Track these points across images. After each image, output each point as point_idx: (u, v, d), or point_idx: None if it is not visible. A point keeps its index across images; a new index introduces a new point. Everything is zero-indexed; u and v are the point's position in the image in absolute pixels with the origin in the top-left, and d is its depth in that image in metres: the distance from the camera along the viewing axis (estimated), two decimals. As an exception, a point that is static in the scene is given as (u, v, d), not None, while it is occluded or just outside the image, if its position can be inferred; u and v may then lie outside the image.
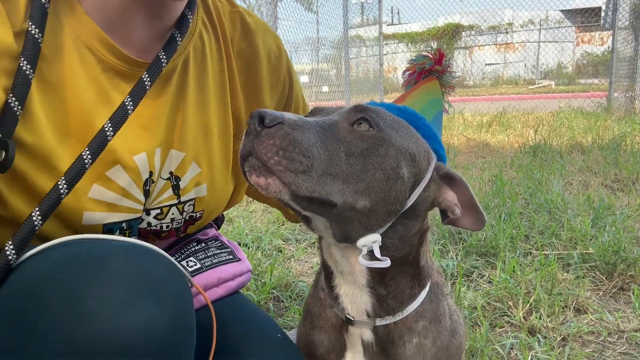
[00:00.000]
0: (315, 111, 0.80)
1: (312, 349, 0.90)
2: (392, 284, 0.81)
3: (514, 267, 2.04)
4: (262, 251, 2.33)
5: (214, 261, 1.02)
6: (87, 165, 0.70)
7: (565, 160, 4.06)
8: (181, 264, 0.96)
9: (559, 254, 2.25)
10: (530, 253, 2.28)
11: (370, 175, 0.70)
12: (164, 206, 0.91)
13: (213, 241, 1.08)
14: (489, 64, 20.28)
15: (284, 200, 0.67)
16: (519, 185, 3.22)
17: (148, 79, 0.78)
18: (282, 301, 1.88)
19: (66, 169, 0.70)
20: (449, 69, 0.94)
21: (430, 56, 0.95)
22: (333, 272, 0.83)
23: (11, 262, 0.62)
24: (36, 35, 0.69)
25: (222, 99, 0.95)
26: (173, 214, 0.93)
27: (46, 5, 0.71)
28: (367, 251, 0.74)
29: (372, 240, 0.73)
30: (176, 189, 0.90)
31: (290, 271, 2.10)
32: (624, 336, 1.67)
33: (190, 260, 0.99)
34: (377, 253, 0.73)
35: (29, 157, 0.73)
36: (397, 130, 0.76)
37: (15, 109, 0.67)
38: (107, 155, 0.78)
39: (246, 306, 1.03)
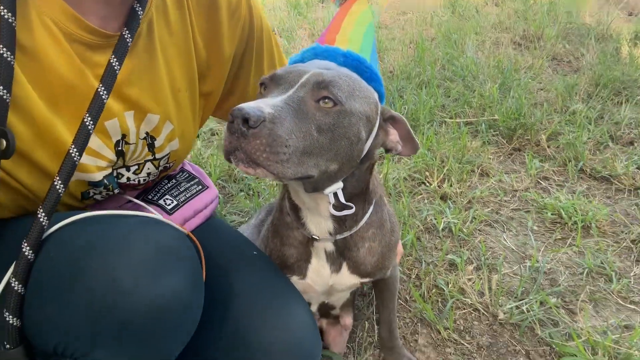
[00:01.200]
0: (275, 79, 0.84)
1: (284, 260, 1.09)
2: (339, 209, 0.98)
3: (431, 139, 2.30)
4: (198, 136, 2.41)
5: (187, 195, 1.12)
6: (90, 130, 0.76)
7: (480, 15, 4.21)
8: (159, 203, 1.07)
9: (468, 121, 2.52)
10: (445, 122, 2.53)
11: (337, 144, 0.82)
12: (141, 163, 0.98)
13: (181, 174, 1.17)
14: None
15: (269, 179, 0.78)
16: (438, 48, 3.38)
17: (116, 60, 0.79)
18: (227, 188, 2.04)
19: (69, 136, 0.76)
20: None
21: None
22: (301, 208, 0.99)
23: (44, 227, 0.71)
24: (10, 20, 0.68)
25: (186, 50, 0.96)
26: (149, 169, 1.00)
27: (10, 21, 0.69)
28: (333, 195, 0.89)
29: (336, 187, 0.89)
30: (151, 147, 0.96)
31: (230, 157, 2.23)
32: (517, 195, 2.03)
33: (167, 199, 1.09)
34: (342, 198, 0.89)
35: (31, 130, 0.77)
36: (354, 97, 0.84)
37: (4, 97, 0.69)
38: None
39: (221, 229, 1.16)
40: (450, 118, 2.54)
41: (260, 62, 1.14)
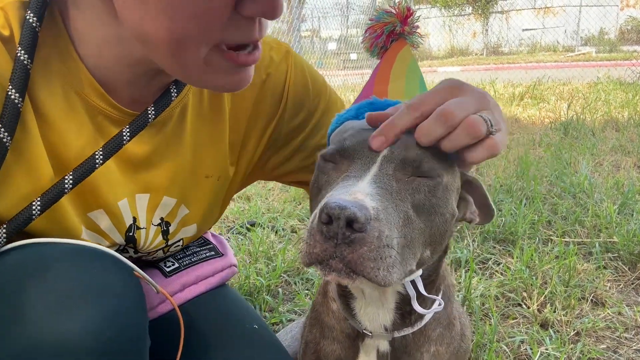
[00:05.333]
0: (346, 153, 0.70)
1: (321, 357, 0.88)
2: (418, 300, 0.78)
3: (531, 255, 1.99)
4: (277, 232, 2.33)
5: (192, 259, 1.02)
6: (65, 190, 0.69)
7: (597, 138, 3.89)
8: (158, 265, 0.97)
9: (581, 241, 2.17)
10: (551, 240, 2.21)
11: (433, 224, 0.66)
12: (152, 250, 0.91)
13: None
14: (526, 30, 19.46)
15: None
16: (545, 166, 3.12)
17: (128, 132, 0.75)
18: (292, 285, 1.89)
19: (68, 204, 0.71)
20: (417, 30, 0.86)
21: (394, 12, 0.84)
22: (356, 297, 0.80)
23: None
24: (16, 101, 0.66)
25: (220, 137, 0.91)
26: (156, 254, 0.94)
27: (28, 67, 0.67)
28: (410, 284, 0.73)
29: (415, 275, 0.72)
30: (165, 234, 0.90)
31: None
32: (642, 333, 1.62)
33: (169, 261, 1.00)
34: (422, 288, 0.72)
35: (32, 188, 0.72)
36: (445, 167, 0.69)
37: None
38: (92, 198, 0.77)
39: (227, 300, 1.04)
40: (557, 237, 2.22)
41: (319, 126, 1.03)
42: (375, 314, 0.79)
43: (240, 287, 1.82)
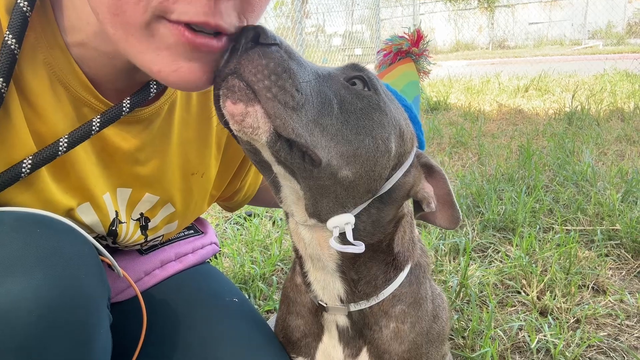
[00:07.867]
0: None
1: (288, 334, 0.88)
2: (363, 269, 0.77)
3: (531, 243, 1.95)
4: (274, 222, 2.31)
5: (170, 238, 1.01)
6: (22, 175, 0.66)
7: (602, 128, 3.84)
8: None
9: (583, 229, 2.14)
10: (552, 228, 2.17)
11: (360, 139, 0.64)
12: (131, 244, 0.90)
13: None
14: (532, 23, 19.30)
15: (258, 142, 0.58)
16: (548, 155, 3.07)
17: (99, 123, 0.72)
18: (287, 272, 1.86)
19: (55, 187, 0.69)
20: (426, 53, 0.90)
21: (407, 37, 0.90)
22: (302, 256, 0.79)
23: None
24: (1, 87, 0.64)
25: (206, 134, 0.90)
26: (134, 247, 0.93)
27: (15, 52, 0.64)
28: (339, 233, 0.69)
29: (345, 221, 0.68)
30: (144, 229, 0.88)
31: (299, 243, 2.08)
32: (644, 320, 1.58)
33: None
34: (350, 236, 0.68)
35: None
36: (390, 100, 0.71)
37: None
38: (80, 190, 0.75)
39: (206, 275, 1.03)
40: (559, 225, 2.18)
41: None
42: (325, 280, 0.78)
43: (234, 276, 1.80)
